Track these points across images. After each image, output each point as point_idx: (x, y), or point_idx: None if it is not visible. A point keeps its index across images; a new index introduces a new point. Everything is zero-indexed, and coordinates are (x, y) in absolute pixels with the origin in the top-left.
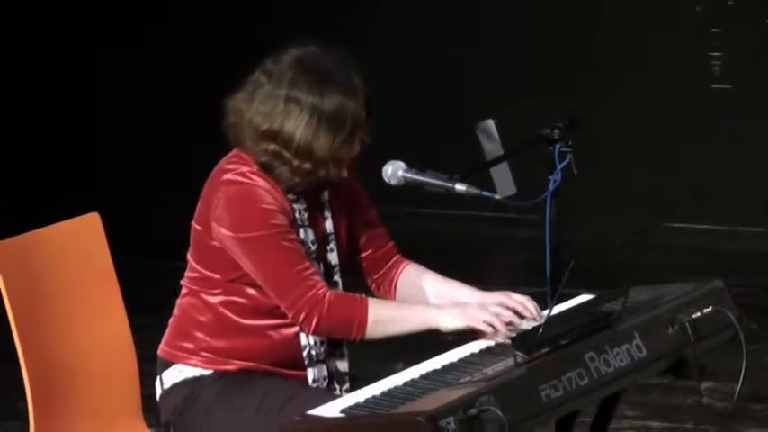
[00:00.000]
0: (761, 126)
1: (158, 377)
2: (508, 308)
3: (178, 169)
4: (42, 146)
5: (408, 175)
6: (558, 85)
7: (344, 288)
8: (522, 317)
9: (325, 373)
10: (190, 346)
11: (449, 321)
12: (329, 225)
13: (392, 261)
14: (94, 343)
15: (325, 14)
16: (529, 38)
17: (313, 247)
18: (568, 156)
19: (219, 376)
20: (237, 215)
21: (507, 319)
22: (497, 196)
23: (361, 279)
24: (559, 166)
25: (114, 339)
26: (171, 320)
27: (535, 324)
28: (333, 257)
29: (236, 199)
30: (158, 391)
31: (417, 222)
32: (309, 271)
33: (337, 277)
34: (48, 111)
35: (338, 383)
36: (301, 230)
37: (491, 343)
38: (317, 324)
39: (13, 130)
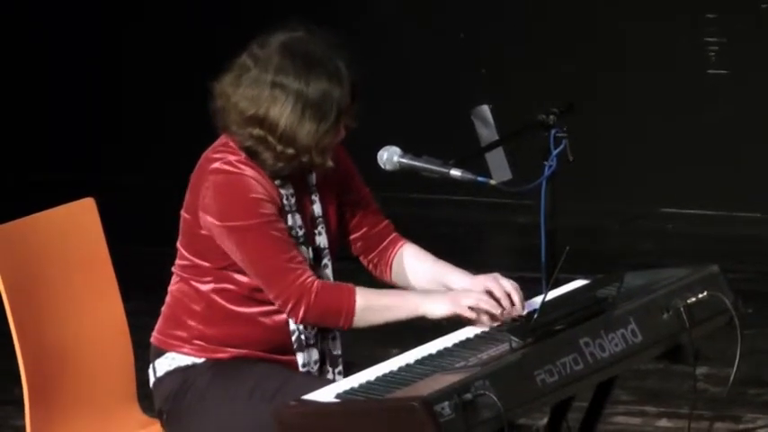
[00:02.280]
0: (756, 112)
1: (151, 365)
2: (494, 297)
3: (175, 155)
4: (38, 129)
5: (403, 161)
6: (555, 72)
7: (338, 271)
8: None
9: (316, 356)
10: (182, 334)
11: (436, 309)
12: (317, 208)
13: (388, 240)
14: (90, 328)
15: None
16: (527, 25)
17: (301, 232)
18: (564, 141)
19: (212, 364)
20: (225, 204)
21: (490, 306)
22: (493, 182)
23: (358, 260)
24: (554, 152)
25: (109, 325)
26: (163, 308)
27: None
28: (322, 240)
29: (224, 188)
30: (151, 379)
31: (412, 208)
32: (297, 260)
33: (327, 260)
34: (45, 94)
35: (331, 366)
36: (289, 216)
37: (486, 327)
38: (304, 313)
39: (9, 112)
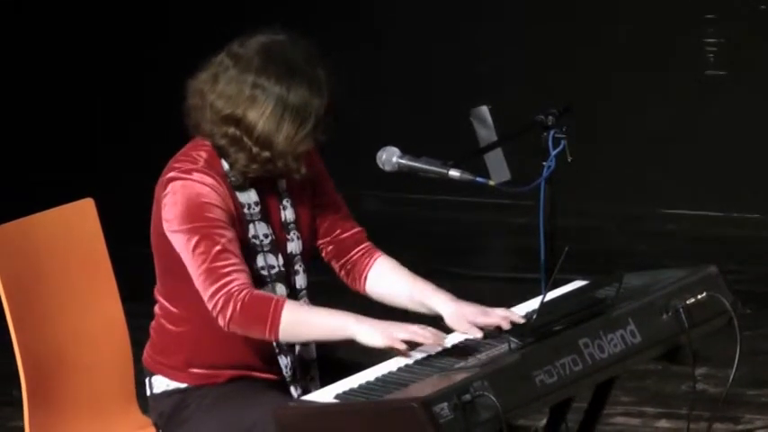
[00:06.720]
0: (755, 112)
1: (147, 379)
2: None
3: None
4: (38, 129)
5: (403, 161)
6: (554, 72)
7: (313, 277)
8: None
9: (292, 359)
10: (174, 363)
11: (367, 337)
12: (289, 214)
13: (363, 248)
14: (88, 329)
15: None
16: (527, 23)
17: (266, 240)
18: (562, 142)
19: (210, 389)
20: (179, 209)
21: (430, 341)
22: (491, 182)
23: (330, 266)
24: (553, 152)
25: (108, 325)
26: (151, 331)
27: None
28: (293, 246)
29: (178, 194)
30: (148, 391)
31: (411, 208)
32: (233, 267)
33: (299, 266)
34: (46, 95)
35: (303, 372)
36: (251, 226)
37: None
38: (229, 320)
39: (10, 114)
